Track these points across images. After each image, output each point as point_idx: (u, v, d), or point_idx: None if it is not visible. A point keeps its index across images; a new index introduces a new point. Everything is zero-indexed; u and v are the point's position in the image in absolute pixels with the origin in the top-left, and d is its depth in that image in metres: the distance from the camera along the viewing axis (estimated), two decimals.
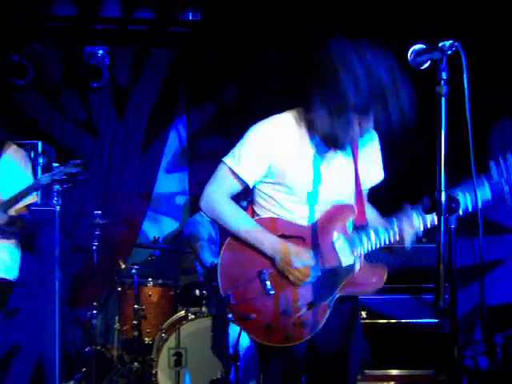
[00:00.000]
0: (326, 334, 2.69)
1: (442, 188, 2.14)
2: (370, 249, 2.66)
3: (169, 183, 6.64)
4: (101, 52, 5.98)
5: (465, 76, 2.10)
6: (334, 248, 2.65)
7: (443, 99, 2.15)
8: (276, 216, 2.72)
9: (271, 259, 2.65)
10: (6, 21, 5.57)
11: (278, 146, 2.66)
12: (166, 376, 4.68)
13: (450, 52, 2.16)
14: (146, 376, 4.93)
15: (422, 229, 2.65)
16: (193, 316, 4.79)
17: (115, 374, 5.05)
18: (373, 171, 2.87)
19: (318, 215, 2.70)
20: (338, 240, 2.66)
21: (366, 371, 4.65)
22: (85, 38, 6.05)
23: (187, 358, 4.67)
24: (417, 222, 2.63)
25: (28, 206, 4.04)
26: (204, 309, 4.85)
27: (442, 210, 2.13)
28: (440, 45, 2.18)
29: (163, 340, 4.74)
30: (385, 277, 2.69)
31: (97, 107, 6.29)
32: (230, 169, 2.71)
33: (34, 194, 3.99)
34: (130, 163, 6.37)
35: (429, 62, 2.26)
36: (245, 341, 4.57)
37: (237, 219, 2.71)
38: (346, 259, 2.65)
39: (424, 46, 2.28)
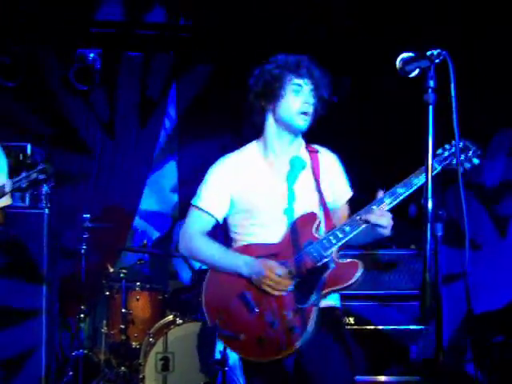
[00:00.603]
0: (312, 350, 2.75)
1: (429, 196, 2.15)
2: (339, 244, 2.80)
3: (159, 187, 6.64)
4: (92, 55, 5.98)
5: (452, 85, 2.11)
6: (307, 253, 2.78)
7: (431, 107, 2.16)
8: (247, 243, 2.89)
9: (249, 279, 2.79)
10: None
11: (235, 178, 2.92)
12: (153, 381, 4.67)
13: (437, 61, 2.17)
14: (133, 380, 4.92)
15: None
16: (181, 321, 4.79)
17: (102, 378, 5.03)
18: (339, 190, 3.05)
19: (285, 230, 2.85)
20: (309, 245, 2.79)
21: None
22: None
23: (174, 362, 4.67)
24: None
25: (3, 209, 4.01)
26: (192, 314, 4.85)
27: (429, 217, 2.15)
28: (428, 53, 2.19)
29: (151, 344, 4.73)
30: (360, 268, 2.77)
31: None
32: (197, 206, 2.95)
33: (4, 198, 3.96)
34: (120, 167, 6.37)
35: (417, 71, 2.27)
36: None
37: (211, 249, 2.90)
38: (319, 260, 2.77)
39: (412, 55, 2.30)
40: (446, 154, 2.83)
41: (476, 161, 2.85)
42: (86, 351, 5.14)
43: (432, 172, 2.69)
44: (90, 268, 5.22)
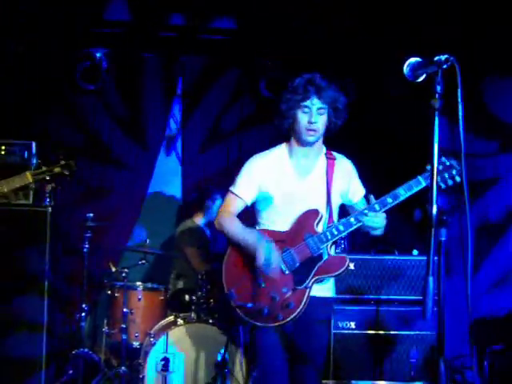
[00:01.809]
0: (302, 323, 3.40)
1: (434, 201, 2.15)
2: (333, 240, 3.39)
3: (162, 188, 6.64)
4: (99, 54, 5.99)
5: (459, 90, 2.11)
6: (306, 244, 3.38)
7: (437, 113, 2.16)
8: (265, 228, 3.51)
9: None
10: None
11: (264, 173, 3.50)
12: (153, 381, 4.67)
13: (445, 66, 2.17)
14: (132, 380, 4.92)
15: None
16: (182, 321, 4.79)
17: (102, 378, 5.03)
18: (355, 189, 3.62)
19: (294, 222, 3.46)
20: (309, 238, 3.38)
21: (353, 381, 4.65)
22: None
23: (175, 363, 4.67)
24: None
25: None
26: (193, 314, 4.85)
27: (433, 222, 2.15)
28: (435, 59, 2.20)
29: (151, 344, 4.73)
30: (346, 263, 3.39)
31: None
32: (232, 192, 3.56)
33: None
34: (124, 166, 6.38)
35: (424, 76, 2.28)
36: (232, 347, 4.58)
37: (237, 227, 3.49)
38: (315, 251, 3.37)
39: (420, 60, 2.30)
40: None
41: (458, 179, 3.20)
42: (86, 350, 5.14)
43: (417, 187, 3.19)
44: (92, 267, 5.21)
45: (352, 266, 4.73)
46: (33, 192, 5.06)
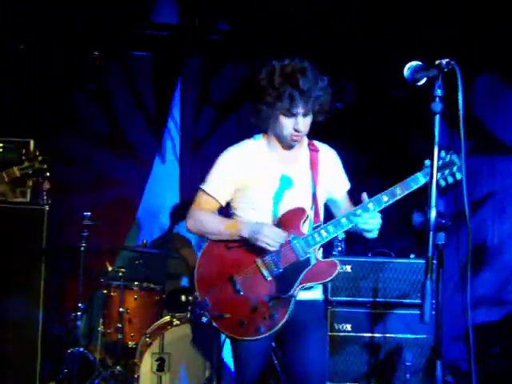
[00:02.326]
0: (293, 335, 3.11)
1: (432, 204, 2.15)
2: (322, 243, 3.07)
3: (159, 187, 6.63)
4: None
5: (460, 94, 2.12)
6: (291, 247, 3.05)
7: (437, 116, 2.16)
8: None
9: (242, 261, 3.08)
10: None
11: (240, 167, 3.15)
12: (148, 381, 4.65)
13: (446, 70, 2.17)
14: (127, 380, 4.91)
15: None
16: (178, 322, 4.78)
17: (97, 377, 5.02)
18: (338, 182, 3.31)
19: (275, 221, 3.12)
20: (294, 239, 3.05)
21: None
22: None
23: (170, 363, 4.66)
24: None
25: None
26: (189, 315, 4.84)
27: (431, 226, 2.15)
28: (437, 62, 2.20)
29: (147, 344, 4.72)
30: (337, 269, 3.07)
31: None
32: (203, 190, 3.20)
33: None
34: (121, 165, 6.37)
35: (425, 79, 2.28)
36: (229, 348, 4.57)
37: (215, 220, 3.17)
38: (302, 255, 3.05)
39: (420, 63, 2.30)
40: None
41: (458, 176, 2.98)
42: (81, 349, 5.13)
43: (416, 184, 2.98)
44: (88, 266, 5.21)
45: (349, 269, 4.72)
46: (30, 190, 5.06)
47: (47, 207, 5.03)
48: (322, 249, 3.18)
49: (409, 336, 4.66)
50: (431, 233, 2.16)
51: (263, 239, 2.97)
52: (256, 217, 3.13)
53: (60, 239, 5.62)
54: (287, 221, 3.09)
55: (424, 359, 4.59)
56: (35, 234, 5.01)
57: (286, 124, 3.04)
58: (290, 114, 3.01)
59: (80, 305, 5.16)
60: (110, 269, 5.28)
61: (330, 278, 3.09)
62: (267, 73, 3.04)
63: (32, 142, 5.16)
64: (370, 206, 3.01)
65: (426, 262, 2.14)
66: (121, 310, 5.02)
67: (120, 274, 5.10)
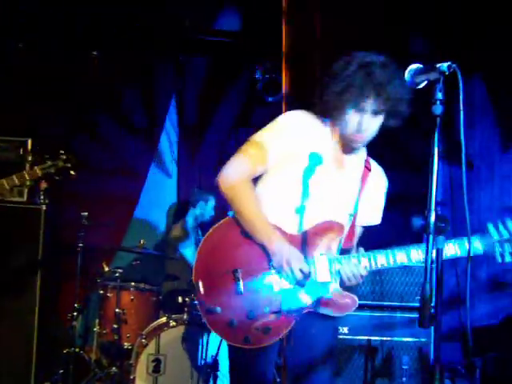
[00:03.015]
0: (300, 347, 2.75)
1: (432, 208, 2.14)
2: (350, 273, 2.69)
3: (157, 188, 6.62)
4: None
5: (461, 98, 2.11)
6: (313, 262, 2.68)
7: (438, 119, 2.15)
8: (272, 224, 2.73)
9: (253, 258, 2.70)
10: None
11: (304, 135, 2.72)
12: (144, 382, 4.64)
13: (447, 73, 2.16)
14: (123, 381, 4.89)
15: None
16: (174, 323, 4.77)
17: (92, 378, 5.00)
18: (371, 212, 2.93)
19: (306, 226, 2.72)
20: (321, 256, 2.68)
21: None
22: None
23: (166, 364, 4.64)
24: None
25: None
26: (186, 316, 4.83)
27: (431, 229, 2.14)
28: (438, 65, 2.19)
29: (143, 346, 4.70)
30: (354, 306, 2.74)
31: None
32: (257, 142, 2.73)
33: None
34: (119, 165, 6.36)
35: (425, 82, 2.27)
36: (225, 350, 4.55)
37: (253, 205, 2.70)
38: (322, 276, 2.67)
39: (421, 66, 2.29)
40: (496, 238, 2.62)
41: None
42: (77, 349, 5.11)
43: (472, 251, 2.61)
44: (85, 266, 5.19)
45: None
46: (27, 190, 5.04)
47: (44, 207, 5.02)
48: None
49: (406, 339, 4.65)
50: (430, 236, 2.15)
51: (288, 271, 2.62)
52: (284, 214, 2.73)
53: (57, 239, 5.60)
54: (320, 232, 2.71)
55: (421, 362, 4.58)
56: (32, 234, 5.00)
57: (352, 118, 2.64)
58: (358, 108, 2.62)
59: (76, 305, 5.14)
60: (106, 269, 5.26)
61: (343, 314, 2.74)
62: (344, 60, 2.66)
63: (30, 142, 5.16)
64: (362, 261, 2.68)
65: (425, 265, 2.13)
66: (117, 310, 5.01)
67: (117, 274, 5.09)
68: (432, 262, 2.15)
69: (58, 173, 4.26)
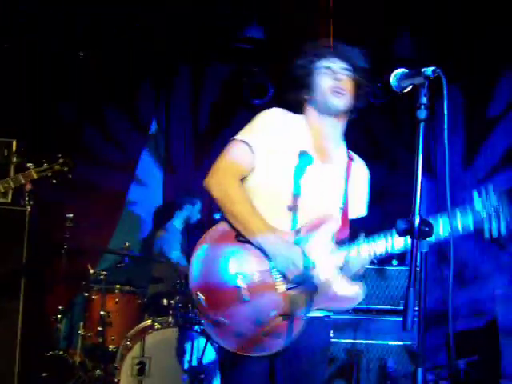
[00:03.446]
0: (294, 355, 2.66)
1: (417, 211, 2.15)
2: (353, 263, 2.66)
3: (143, 190, 6.61)
4: None
5: (445, 102, 2.12)
6: (314, 258, 2.60)
7: (422, 124, 2.16)
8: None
9: (252, 261, 2.61)
10: None
11: (284, 131, 2.73)
12: None
13: (432, 77, 2.17)
14: None
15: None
16: (159, 326, 4.75)
17: (77, 381, 4.97)
18: (357, 204, 2.91)
19: (300, 223, 2.67)
20: (321, 251, 2.62)
21: None
22: None
23: (151, 367, 4.62)
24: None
25: None
26: (170, 319, 4.82)
27: (415, 233, 2.15)
28: (422, 70, 2.20)
29: (127, 348, 4.69)
30: (362, 294, 2.69)
31: None
32: (242, 141, 2.71)
33: None
34: (105, 168, 6.34)
35: (410, 87, 2.28)
36: (210, 353, 4.55)
37: (244, 203, 2.64)
38: (326, 271, 2.61)
39: (406, 71, 2.30)
40: (484, 215, 2.60)
41: (504, 231, 2.62)
42: (61, 352, 5.08)
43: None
44: (70, 268, 5.17)
45: None
46: (12, 191, 5.01)
47: (29, 208, 4.99)
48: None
49: (391, 343, 4.67)
50: (415, 240, 2.16)
51: (291, 270, 2.55)
52: (275, 211, 2.66)
53: (42, 241, 5.56)
54: (316, 229, 2.64)
55: (405, 366, 4.61)
56: (17, 235, 4.96)
57: (324, 81, 2.74)
58: (325, 67, 2.74)
59: (60, 307, 5.12)
60: (91, 271, 5.23)
61: (353, 304, 2.69)
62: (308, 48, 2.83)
63: (14, 142, 5.12)
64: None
65: (410, 269, 2.14)
66: (102, 313, 4.99)
67: (101, 276, 5.07)
68: (416, 266, 2.16)
69: (55, 176, 4.25)
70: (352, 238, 2.78)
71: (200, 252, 2.63)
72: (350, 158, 2.90)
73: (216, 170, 2.70)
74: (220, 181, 2.67)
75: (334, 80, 2.73)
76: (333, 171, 2.81)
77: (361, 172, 2.94)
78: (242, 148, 2.71)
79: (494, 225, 2.61)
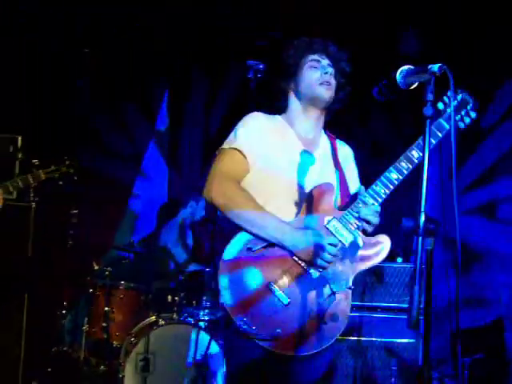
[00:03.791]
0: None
1: (422, 210, 2.15)
2: (367, 217, 2.64)
3: (148, 187, 6.61)
4: None
5: (451, 99, 2.11)
6: (329, 232, 2.62)
7: (428, 121, 2.16)
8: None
9: (276, 261, 2.59)
10: None
11: (270, 132, 2.80)
12: (133, 381, 4.62)
13: (438, 74, 2.17)
14: (112, 380, 4.87)
15: None
16: (163, 322, 4.75)
17: (81, 377, 4.98)
18: (352, 181, 2.98)
19: (300, 206, 2.70)
20: (331, 222, 2.63)
21: None
22: None
23: (155, 363, 4.63)
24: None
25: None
26: (175, 315, 4.82)
27: (420, 231, 2.14)
28: (429, 67, 2.19)
29: (132, 344, 4.69)
30: (389, 243, 2.72)
31: None
32: (234, 148, 2.74)
33: None
34: (111, 164, 6.35)
35: (416, 84, 2.28)
36: (214, 349, 4.55)
37: (251, 203, 2.64)
38: (346, 238, 2.63)
39: (412, 68, 2.30)
40: (448, 110, 2.74)
41: (473, 114, 2.83)
42: (65, 348, 5.09)
43: (441, 132, 2.74)
44: (74, 264, 5.17)
45: None
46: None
47: (34, 204, 5.00)
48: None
49: (395, 340, 4.66)
50: (420, 238, 2.15)
51: (319, 253, 2.55)
52: (277, 202, 2.69)
53: (47, 237, 5.57)
54: (315, 200, 2.67)
55: (410, 364, 4.59)
56: (22, 231, 4.97)
57: (311, 73, 2.84)
58: (313, 60, 2.85)
59: (65, 303, 5.12)
60: (96, 267, 5.24)
61: (383, 256, 2.72)
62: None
63: (20, 139, 5.13)
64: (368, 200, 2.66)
65: (415, 267, 2.13)
66: (106, 309, 5.00)
67: (106, 272, 5.08)
68: (421, 263, 2.15)
69: (61, 177, 4.29)
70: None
71: (223, 280, 2.56)
72: (333, 138, 2.99)
73: (213, 178, 2.71)
74: (221, 187, 2.68)
75: (321, 73, 2.83)
76: (322, 157, 2.89)
77: (345, 151, 3.02)
78: (232, 154, 2.74)
79: (463, 112, 2.80)
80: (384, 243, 2.73)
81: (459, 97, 2.81)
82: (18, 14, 5.62)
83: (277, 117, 2.93)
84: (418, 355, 4.52)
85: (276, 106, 2.95)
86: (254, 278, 2.55)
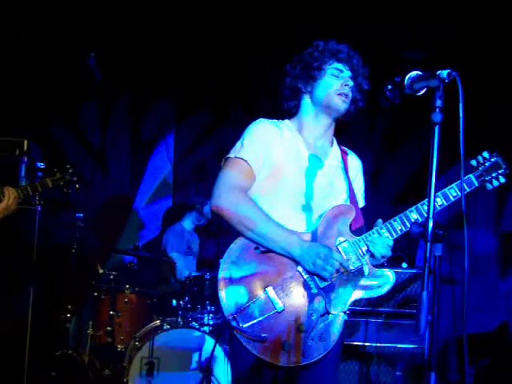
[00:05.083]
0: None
1: (431, 216, 2.14)
2: (379, 248, 2.65)
3: (152, 191, 6.62)
4: None
5: (460, 105, 2.10)
6: (339, 251, 2.65)
7: (437, 127, 2.15)
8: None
9: (278, 268, 2.61)
10: None
11: (278, 139, 2.75)
12: None
13: (447, 80, 2.15)
14: None
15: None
16: (168, 326, 4.75)
17: (85, 380, 4.98)
18: (358, 196, 2.94)
19: (315, 221, 2.70)
20: (342, 244, 2.66)
21: None
22: None
23: (159, 367, 4.62)
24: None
25: None
26: (180, 319, 4.81)
27: (429, 236, 2.14)
28: (437, 73, 2.18)
29: (136, 348, 4.69)
30: (393, 278, 2.71)
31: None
32: (241, 159, 2.72)
33: None
34: (114, 168, 6.35)
35: (425, 89, 2.27)
36: (218, 354, 4.55)
37: (259, 213, 2.63)
38: (353, 263, 2.65)
39: (421, 73, 2.28)
40: (481, 168, 2.86)
41: (503, 180, 2.87)
42: (70, 352, 5.09)
43: (469, 188, 2.85)
44: (79, 268, 5.17)
45: None
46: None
47: (39, 207, 5.00)
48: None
49: (400, 346, 4.64)
50: (428, 244, 2.14)
51: (323, 267, 2.56)
52: (287, 212, 2.69)
53: (51, 240, 5.58)
54: (333, 222, 2.67)
55: (415, 370, 4.58)
56: (27, 234, 4.97)
57: (332, 81, 2.79)
58: (337, 69, 2.80)
59: (70, 307, 5.12)
60: (101, 271, 5.24)
61: (385, 291, 2.71)
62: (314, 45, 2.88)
63: (26, 142, 5.13)
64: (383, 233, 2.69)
65: (423, 273, 2.12)
66: (111, 313, 5.00)
67: (111, 276, 5.08)
68: (430, 269, 2.14)
69: (66, 185, 4.35)
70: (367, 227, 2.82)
71: (225, 275, 2.59)
72: (344, 152, 2.95)
73: (220, 189, 2.69)
74: (228, 199, 2.66)
75: (342, 84, 2.78)
76: (332, 166, 2.85)
77: (355, 164, 2.98)
78: (238, 163, 2.72)
79: (494, 174, 2.85)
80: (389, 278, 2.72)
81: (493, 159, 2.88)
82: (18, 14, 5.64)
83: (285, 121, 2.89)
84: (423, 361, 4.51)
85: (286, 107, 2.90)
86: (254, 278, 2.58)
